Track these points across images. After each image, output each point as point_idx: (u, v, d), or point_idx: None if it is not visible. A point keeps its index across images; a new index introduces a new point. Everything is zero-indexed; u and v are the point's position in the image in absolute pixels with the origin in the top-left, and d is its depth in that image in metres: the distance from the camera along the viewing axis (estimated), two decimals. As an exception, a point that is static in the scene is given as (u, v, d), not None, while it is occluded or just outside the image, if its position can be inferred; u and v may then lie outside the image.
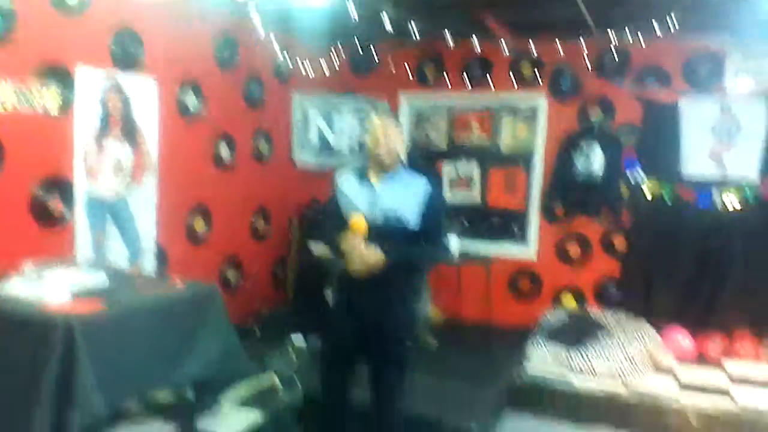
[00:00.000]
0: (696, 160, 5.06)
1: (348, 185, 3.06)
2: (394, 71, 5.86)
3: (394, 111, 5.96)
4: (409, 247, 2.92)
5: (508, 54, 5.23)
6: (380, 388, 3.08)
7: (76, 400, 2.54)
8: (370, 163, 3.04)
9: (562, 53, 5.10)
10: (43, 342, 2.57)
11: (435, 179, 3.10)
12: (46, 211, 3.64)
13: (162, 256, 4.43)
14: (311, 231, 5.41)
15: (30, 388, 2.54)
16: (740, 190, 4.94)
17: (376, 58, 5.99)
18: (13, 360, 2.66)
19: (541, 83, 5.54)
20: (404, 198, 2.97)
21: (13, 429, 2.57)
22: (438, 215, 3.06)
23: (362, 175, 3.04)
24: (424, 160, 5.98)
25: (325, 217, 3.14)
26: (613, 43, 4.97)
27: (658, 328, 4.91)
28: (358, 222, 2.86)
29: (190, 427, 3.37)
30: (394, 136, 2.98)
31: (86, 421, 2.58)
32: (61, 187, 3.71)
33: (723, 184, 4.99)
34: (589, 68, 5.27)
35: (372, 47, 5.90)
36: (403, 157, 3.07)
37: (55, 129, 3.64)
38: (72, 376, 2.55)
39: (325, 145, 5.95)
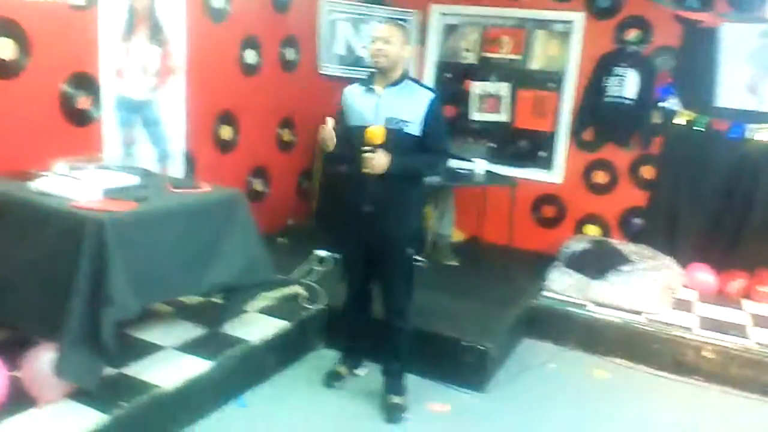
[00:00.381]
0: (732, 90, 4.86)
1: (353, 95, 3.19)
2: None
3: (424, 23, 5.74)
4: (409, 155, 3.06)
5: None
6: (387, 297, 3.32)
7: (109, 295, 2.58)
8: (375, 73, 3.14)
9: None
10: (75, 238, 2.59)
11: (437, 91, 3.21)
12: (75, 109, 3.57)
13: (190, 162, 4.39)
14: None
15: (63, 282, 2.58)
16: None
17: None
18: (46, 253, 2.68)
19: (578, -2, 5.31)
20: (407, 106, 3.08)
21: (49, 319, 2.62)
22: (440, 125, 3.17)
23: (368, 86, 3.15)
24: (453, 75, 5.84)
25: (338, 138, 3.15)
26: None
27: (681, 263, 4.90)
28: (375, 131, 2.97)
29: (218, 331, 3.42)
30: (397, 44, 3.04)
31: (118, 317, 2.63)
32: (89, 84, 3.62)
33: (758, 117, 4.82)
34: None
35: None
36: (407, 67, 3.18)
37: (82, 23, 3.52)
38: (104, 273, 2.58)
39: (352, 55, 5.78)
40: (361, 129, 3.02)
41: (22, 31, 3.21)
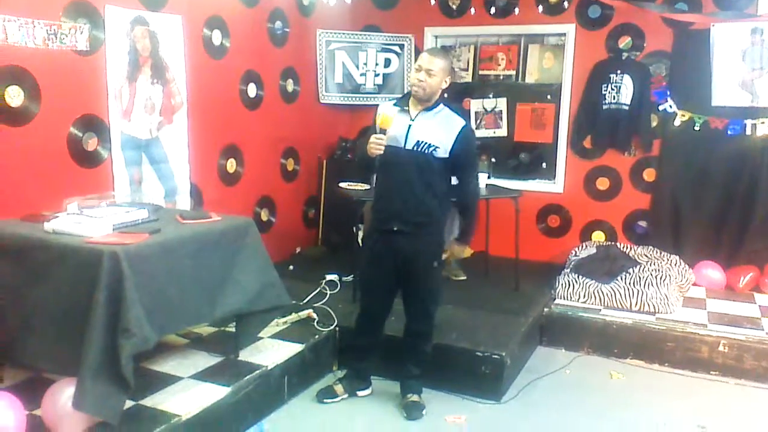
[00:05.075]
0: (727, 88, 4.93)
1: (388, 112, 3.21)
2: (417, 2, 5.72)
3: (418, 45, 5.87)
4: (463, 222, 3.47)
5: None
6: (414, 307, 3.41)
7: (127, 327, 2.63)
8: (410, 94, 3.24)
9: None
10: (90, 272, 2.64)
11: (468, 121, 3.42)
12: (84, 151, 3.69)
13: (197, 196, 4.50)
14: (340, 170, 5.42)
15: (81, 317, 2.63)
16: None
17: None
18: (63, 291, 2.74)
19: (568, 11, 5.40)
20: (438, 132, 3.18)
21: (67, 355, 2.68)
22: (471, 155, 3.33)
23: (403, 107, 3.24)
24: (451, 95, 5.93)
25: (360, 137, 3.26)
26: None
27: (689, 262, 4.92)
28: (385, 117, 3.09)
29: (233, 359, 3.48)
30: (439, 76, 3.15)
31: (137, 349, 2.68)
32: (97, 126, 3.75)
33: (755, 112, 4.87)
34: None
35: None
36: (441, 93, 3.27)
37: (88, 68, 3.65)
38: (121, 305, 2.63)
39: (350, 83, 5.91)
40: (394, 149, 3.13)
41: (31, 78, 3.34)
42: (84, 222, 2.93)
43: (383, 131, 3.10)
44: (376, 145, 3.08)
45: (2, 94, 3.23)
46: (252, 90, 4.96)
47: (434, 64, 3.12)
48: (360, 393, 3.64)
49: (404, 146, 3.18)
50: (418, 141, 3.16)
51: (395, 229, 3.22)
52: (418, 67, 3.15)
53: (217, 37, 4.55)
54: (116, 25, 3.76)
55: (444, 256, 3.43)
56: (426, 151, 3.16)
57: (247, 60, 4.87)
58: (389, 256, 3.29)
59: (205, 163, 4.57)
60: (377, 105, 3.35)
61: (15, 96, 3.28)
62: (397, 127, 3.18)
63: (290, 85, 5.43)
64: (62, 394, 2.67)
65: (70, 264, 2.74)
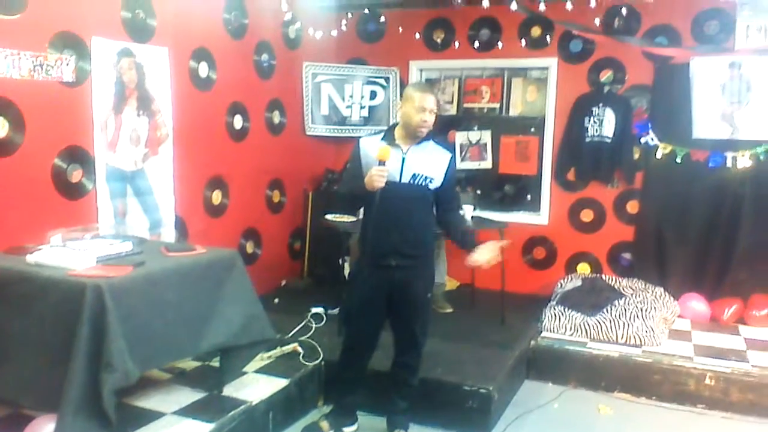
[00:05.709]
0: (708, 121, 5.01)
1: (373, 149, 3.17)
2: (402, 36, 5.81)
3: (403, 78, 5.93)
4: (461, 234, 3.41)
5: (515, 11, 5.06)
6: (404, 338, 3.40)
7: (109, 362, 2.58)
8: (398, 129, 3.26)
9: (571, 13, 5.01)
10: (73, 305, 2.61)
11: (453, 151, 3.43)
12: (68, 182, 3.65)
13: (182, 228, 4.46)
14: (326, 202, 5.41)
15: (63, 351, 2.59)
16: (753, 151, 4.88)
17: (384, 25, 5.95)
18: (45, 324, 2.70)
19: (550, 45, 5.51)
20: (431, 164, 3.24)
21: (49, 390, 2.62)
22: (454, 183, 3.45)
23: (391, 141, 3.22)
24: (435, 128, 5.96)
25: (346, 174, 3.38)
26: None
27: (673, 294, 4.94)
28: (384, 149, 3.06)
29: (217, 394, 3.41)
30: (435, 112, 3.20)
31: (119, 385, 2.63)
32: (82, 158, 3.72)
33: (735, 145, 4.95)
34: (599, 29, 5.18)
35: (379, 12, 5.86)
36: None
37: (73, 100, 3.64)
38: (103, 339, 2.59)
39: (336, 115, 5.94)
40: (387, 184, 3.06)
41: (16, 110, 3.32)
42: (67, 254, 2.90)
43: (382, 163, 3.05)
44: (378, 178, 3.02)
45: (-14, 126, 3.20)
46: (238, 122, 4.97)
47: (436, 104, 3.20)
48: (346, 429, 3.57)
49: (400, 180, 3.16)
50: (414, 174, 3.18)
51: (393, 264, 3.19)
52: (423, 108, 3.12)
53: (203, 69, 4.56)
54: (103, 56, 3.76)
55: (476, 265, 3.32)
56: (422, 183, 3.19)
57: (233, 92, 4.88)
58: (383, 292, 3.26)
59: (190, 195, 4.54)
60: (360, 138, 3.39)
61: (-1, 127, 3.26)
62: (391, 161, 3.13)
63: (276, 117, 5.45)
64: (43, 430, 2.62)
65: (52, 297, 2.71)
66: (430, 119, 3.17)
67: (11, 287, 2.83)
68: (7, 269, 2.87)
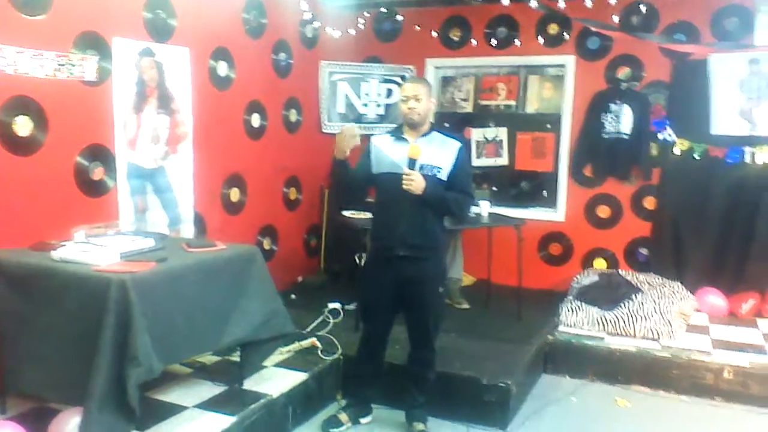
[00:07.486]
0: (726, 117, 5.00)
1: (384, 145, 3.34)
2: (419, 34, 5.83)
3: (420, 76, 5.94)
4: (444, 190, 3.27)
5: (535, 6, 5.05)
6: (418, 333, 3.42)
7: (134, 356, 2.61)
8: (404, 125, 3.34)
9: (589, 10, 4.99)
10: (98, 300, 2.64)
11: (464, 140, 3.46)
12: (90, 180, 3.71)
13: (200, 225, 4.51)
14: (343, 198, 5.44)
15: (87, 346, 2.62)
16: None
17: (400, 23, 5.97)
18: (70, 319, 2.74)
19: (568, 43, 5.50)
20: (439, 155, 3.26)
21: (74, 385, 2.67)
22: (466, 172, 3.40)
23: (399, 136, 3.32)
24: (452, 125, 5.99)
25: (352, 171, 3.38)
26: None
27: (690, 288, 4.93)
28: (415, 147, 3.17)
29: (238, 388, 3.46)
30: (425, 99, 3.25)
31: (143, 378, 2.67)
32: (103, 156, 3.78)
33: (754, 141, 4.93)
34: (617, 26, 5.16)
35: (396, 11, 5.87)
36: (432, 118, 3.39)
37: (95, 98, 3.69)
38: (128, 333, 2.63)
39: (352, 113, 5.97)
40: (395, 176, 3.18)
41: (39, 108, 3.38)
42: (91, 250, 2.94)
43: (413, 161, 3.16)
44: (409, 182, 3.12)
45: (11, 124, 3.26)
46: (256, 120, 5.01)
47: (418, 90, 3.24)
48: (362, 420, 3.63)
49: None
50: (423, 165, 3.21)
51: (401, 254, 3.23)
52: (404, 98, 3.25)
53: (222, 68, 4.61)
54: (124, 56, 3.82)
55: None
56: (430, 174, 3.21)
57: (251, 90, 4.93)
58: (391, 283, 3.30)
59: (208, 192, 4.60)
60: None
61: (23, 126, 3.32)
62: (399, 154, 3.23)
63: (293, 115, 5.49)
64: (68, 424, 2.66)
65: (77, 292, 2.75)
66: (418, 106, 3.21)
67: (37, 283, 2.87)
68: (33, 265, 2.92)
